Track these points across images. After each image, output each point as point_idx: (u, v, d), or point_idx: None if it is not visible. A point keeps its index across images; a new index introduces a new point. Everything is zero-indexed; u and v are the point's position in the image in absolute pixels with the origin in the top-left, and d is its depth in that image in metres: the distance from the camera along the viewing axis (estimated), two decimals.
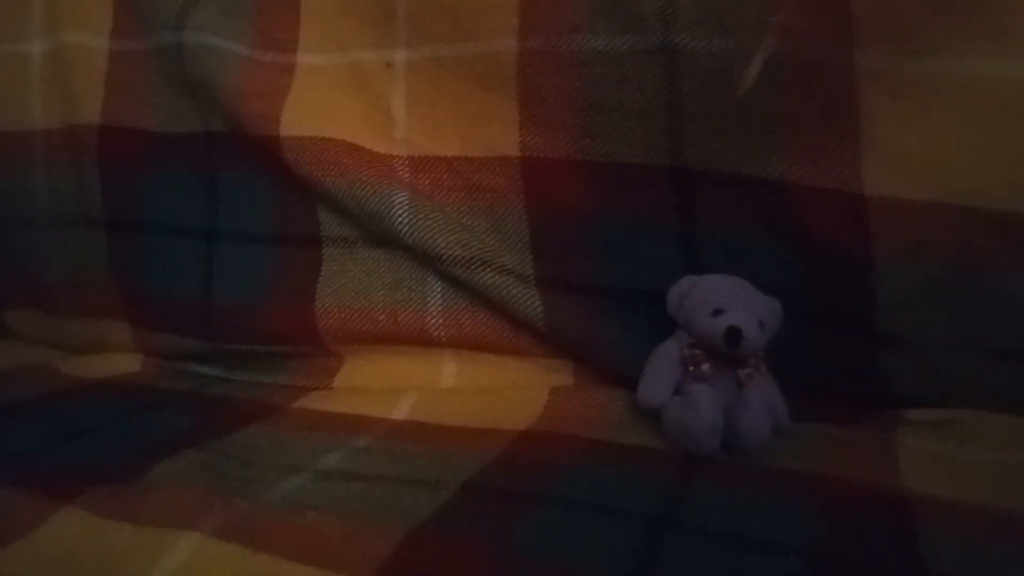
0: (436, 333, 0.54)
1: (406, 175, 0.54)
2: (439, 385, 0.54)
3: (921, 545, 0.32)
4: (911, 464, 0.40)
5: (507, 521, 0.35)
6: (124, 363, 0.63)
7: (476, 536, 0.34)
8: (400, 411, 0.51)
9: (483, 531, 0.34)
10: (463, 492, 0.38)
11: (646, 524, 0.34)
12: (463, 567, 0.31)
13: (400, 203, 0.53)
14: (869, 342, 0.45)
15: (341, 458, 0.43)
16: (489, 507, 0.37)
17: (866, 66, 0.42)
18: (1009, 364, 0.42)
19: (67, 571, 0.34)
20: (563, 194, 0.50)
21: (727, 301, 0.43)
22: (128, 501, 0.38)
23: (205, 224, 0.59)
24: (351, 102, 0.55)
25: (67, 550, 0.35)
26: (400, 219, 0.53)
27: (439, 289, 0.54)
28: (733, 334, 0.41)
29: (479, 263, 0.52)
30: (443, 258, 0.53)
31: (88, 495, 0.38)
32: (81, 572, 0.34)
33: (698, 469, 0.40)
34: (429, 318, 0.54)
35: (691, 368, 0.44)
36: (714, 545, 0.32)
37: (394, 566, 0.32)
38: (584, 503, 0.36)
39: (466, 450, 0.43)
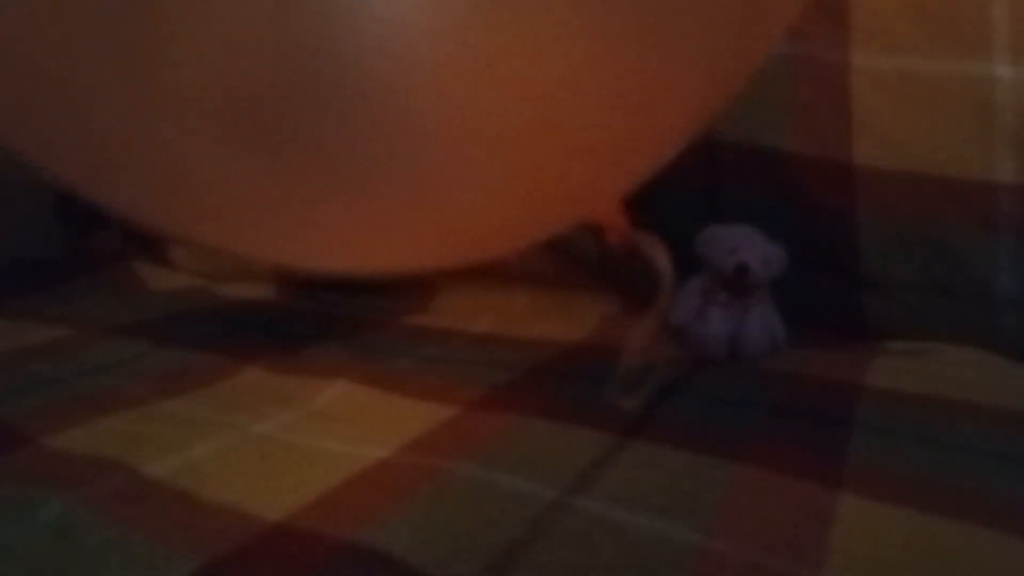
0: (513, 268, 0.68)
1: None
2: (513, 309, 0.68)
3: (860, 403, 0.44)
4: (877, 371, 0.51)
5: (560, 385, 0.49)
6: (264, 289, 0.80)
7: (537, 391, 0.48)
8: (482, 326, 0.65)
9: (543, 389, 0.48)
10: (531, 371, 0.52)
11: (659, 389, 0.47)
12: (526, 404, 0.45)
13: None
14: (853, 283, 0.56)
15: (439, 351, 0.58)
16: (549, 377, 0.51)
17: (858, 63, 0.54)
18: (961, 303, 0.53)
19: (253, 400, 0.49)
20: None
21: (740, 244, 0.55)
22: (291, 364, 0.53)
23: None
24: None
25: (251, 388, 0.50)
26: None
27: None
28: (741, 267, 0.54)
29: None
30: None
31: (260, 359, 0.54)
32: (263, 401, 0.48)
33: (706, 365, 0.53)
34: (508, 257, 0.68)
35: (710, 296, 0.57)
36: (703, 403, 0.45)
37: (481, 404, 0.46)
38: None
39: (533, 350, 0.57)
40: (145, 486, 0.36)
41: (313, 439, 0.41)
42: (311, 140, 0.31)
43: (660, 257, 0.43)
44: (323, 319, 0.70)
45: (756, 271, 0.54)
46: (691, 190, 0.61)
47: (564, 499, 0.33)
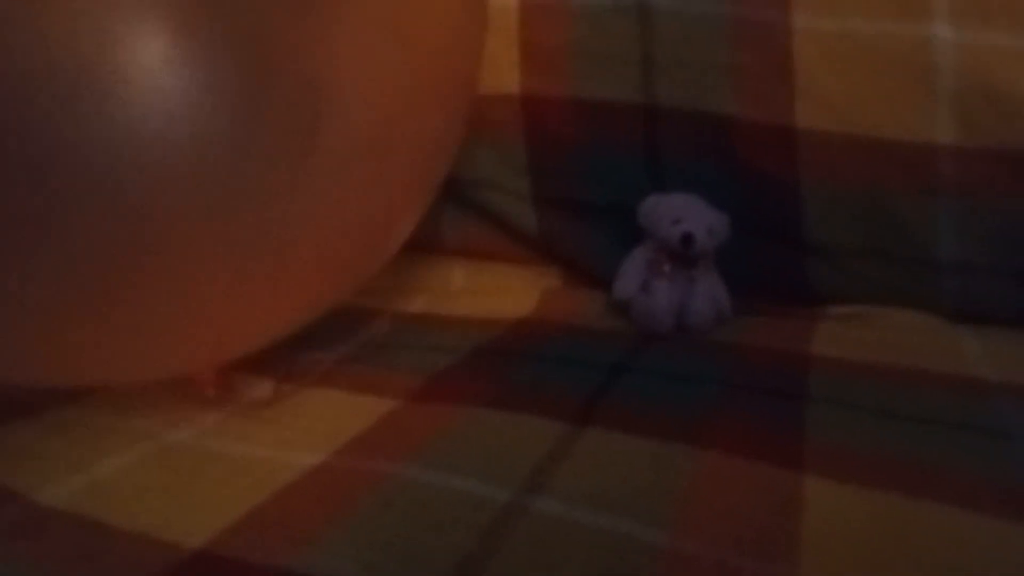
0: (448, 244, 0.65)
1: None
2: (449, 287, 0.65)
3: (811, 374, 0.43)
4: (822, 339, 0.51)
5: (505, 369, 0.46)
6: None
7: (480, 376, 0.45)
8: (417, 306, 0.62)
9: (487, 374, 0.45)
10: (472, 354, 0.49)
11: (608, 369, 0.45)
12: (471, 392, 0.42)
13: None
14: (796, 250, 0.56)
15: (374, 335, 0.54)
16: (493, 362, 0.48)
17: (800, 25, 0.52)
18: (903, 267, 0.53)
19: (166, 403, 0.44)
20: (555, 127, 0.60)
21: (684, 213, 0.53)
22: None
23: None
24: None
25: (162, 389, 0.45)
26: None
27: (451, 207, 0.64)
28: (687, 238, 0.52)
29: (485, 185, 0.62)
30: (454, 181, 0.63)
31: None
32: (178, 404, 0.44)
33: (654, 340, 0.51)
34: (442, 231, 0.65)
35: (655, 268, 0.55)
36: (654, 381, 0.44)
37: (421, 395, 0.43)
38: (565, 358, 0.47)
39: (474, 331, 0.54)
40: (43, 516, 0.32)
41: (238, 446, 0.37)
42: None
43: None
44: None
45: (702, 241, 0.52)
46: (631, 158, 0.58)
47: (520, 501, 0.31)
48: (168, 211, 0.31)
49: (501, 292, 0.63)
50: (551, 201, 0.62)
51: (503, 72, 0.60)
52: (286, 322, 0.42)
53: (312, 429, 0.39)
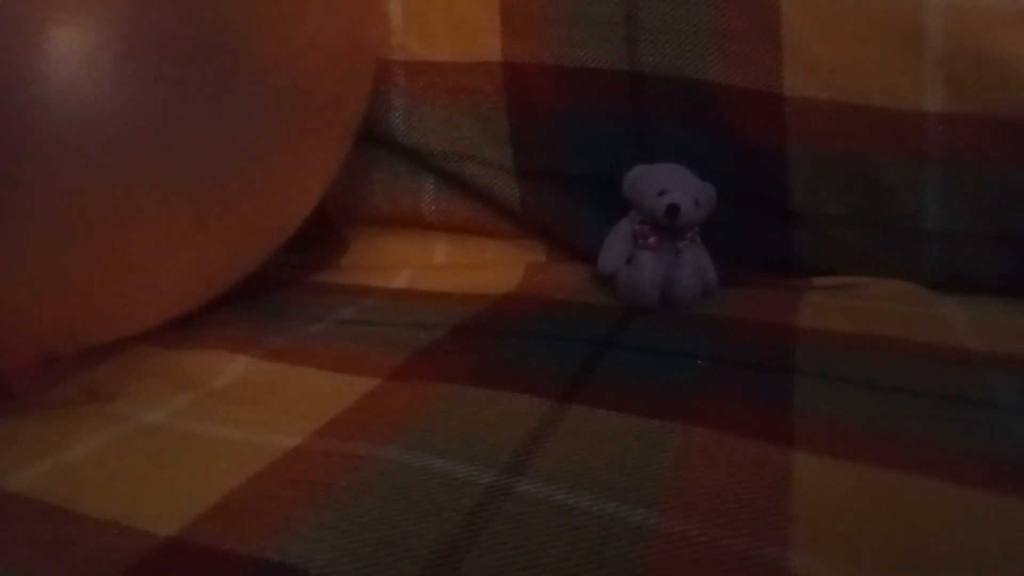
0: (429, 218, 0.63)
1: (402, 79, 0.61)
2: (432, 262, 0.64)
3: (797, 347, 0.43)
4: (808, 311, 0.50)
5: (489, 346, 0.45)
6: None
7: (465, 354, 0.44)
8: (399, 282, 0.60)
9: (471, 351, 0.44)
10: (455, 330, 0.48)
11: (593, 345, 0.44)
12: (453, 370, 0.41)
13: (396, 105, 0.62)
14: (783, 220, 0.55)
15: (354, 312, 0.53)
16: (476, 338, 0.47)
17: None
18: (890, 235, 0.53)
19: (139, 383, 0.42)
20: (538, 96, 0.58)
21: (669, 184, 0.52)
22: (183, 336, 0.47)
23: None
24: None
25: (135, 368, 0.44)
26: (396, 119, 0.61)
27: (432, 180, 0.63)
28: (673, 209, 0.51)
29: (466, 157, 0.61)
30: (434, 153, 0.61)
31: (146, 332, 0.47)
32: (152, 383, 0.42)
33: (640, 313, 0.50)
34: (423, 205, 0.63)
35: (640, 240, 0.54)
36: (640, 356, 0.43)
37: (402, 372, 0.42)
38: (549, 334, 0.46)
39: (457, 306, 0.53)
40: (8, 503, 0.30)
41: (212, 427, 0.36)
42: None
43: None
44: None
45: (688, 212, 0.51)
46: (616, 128, 0.57)
47: (503, 482, 0.30)
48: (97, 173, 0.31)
49: (484, 266, 0.62)
50: (534, 173, 0.60)
51: (483, 38, 0.58)
52: (212, 283, 0.44)
53: (290, 410, 0.38)
